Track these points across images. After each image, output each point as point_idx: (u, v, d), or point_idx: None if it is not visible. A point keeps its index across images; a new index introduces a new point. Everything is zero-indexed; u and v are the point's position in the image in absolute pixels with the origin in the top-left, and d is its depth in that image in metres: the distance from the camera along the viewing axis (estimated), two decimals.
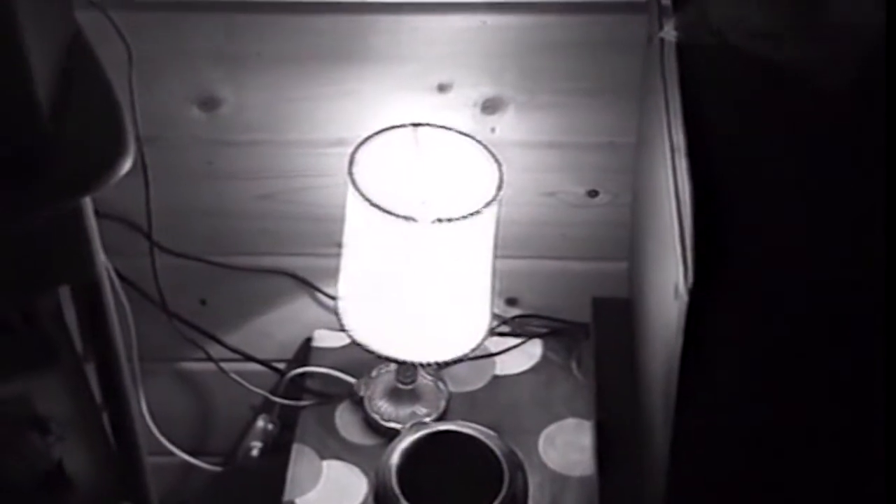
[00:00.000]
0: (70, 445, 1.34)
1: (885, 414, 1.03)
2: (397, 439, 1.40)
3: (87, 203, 1.11)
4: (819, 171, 1.06)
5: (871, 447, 1.05)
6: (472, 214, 1.31)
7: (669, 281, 1.05)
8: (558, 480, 1.46)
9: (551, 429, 1.51)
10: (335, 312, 1.47)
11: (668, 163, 1.08)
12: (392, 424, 1.50)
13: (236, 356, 1.63)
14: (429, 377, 1.55)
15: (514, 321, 1.61)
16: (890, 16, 1.09)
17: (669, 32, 1.14)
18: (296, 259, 1.57)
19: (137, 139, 1.13)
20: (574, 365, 1.58)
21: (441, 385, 1.55)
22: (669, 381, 1.06)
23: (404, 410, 1.52)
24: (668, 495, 1.13)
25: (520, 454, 1.39)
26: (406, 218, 1.29)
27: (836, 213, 1.03)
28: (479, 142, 1.37)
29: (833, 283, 1.00)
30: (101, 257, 1.16)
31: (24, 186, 1.06)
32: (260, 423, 1.65)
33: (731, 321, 1.01)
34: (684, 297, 0.98)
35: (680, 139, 1.06)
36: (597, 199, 1.50)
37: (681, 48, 1.13)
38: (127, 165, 1.09)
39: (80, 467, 1.33)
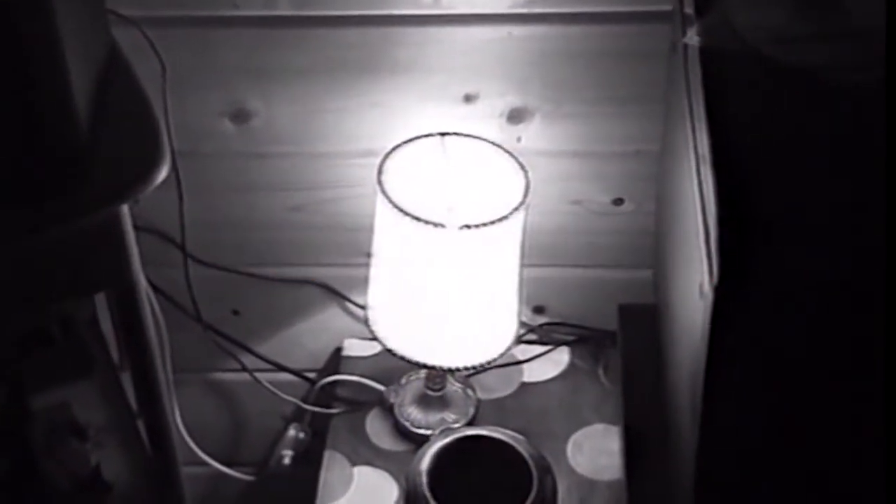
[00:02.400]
0: (107, 451, 1.37)
1: None
2: (427, 444, 1.41)
3: (125, 211, 1.13)
4: (845, 174, 1.07)
5: None
6: (499, 220, 1.33)
7: (694, 284, 1.06)
8: (586, 485, 1.47)
9: (579, 434, 1.53)
10: (365, 321, 1.49)
11: (693, 170, 1.09)
12: (422, 431, 1.52)
13: (268, 366, 1.65)
14: (457, 384, 1.56)
15: (542, 329, 1.63)
16: None
17: (693, 38, 1.15)
18: (326, 269, 1.59)
19: (171, 152, 1.15)
20: (601, 371, 1.60)
21: (470, 392, 1.56)
22: (695, 383, 1.07)
23: (434, 417, 1.54)
24: (696, 499, 1.14)
25: (548, 459, 1.40)
26: (434, 224, 1.31)
27: (863, 215, 1.04)
28: (505, 150, 1.39)
29: (861, 282, 1.01)
30: (138, 265, 1.18)
31: (62, 196, 1.08)
32: (291, 431, 1.67)
33: (756, 322, 1.02)
34: (709, 295, 0.99)
35: (705, 146, 1.07)
36: (622, 208, 1.52)
37: (704, 54, 1.14)
38: (163, 174, 1.11)
39: (117, 473, 1.36)
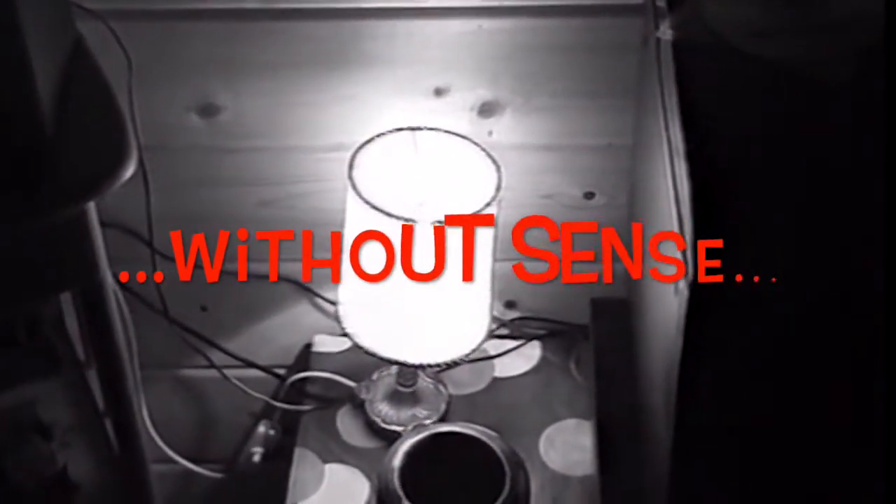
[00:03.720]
0: (74, 451, 1.35)
1: (887, 408, 1.04)
2: (399, 441, 1.40)
3: (92, 209, 1.12)
4: (819, 168, 1.07)
5: (874, 443, 1.06)
6: (471, 216, 1.32)
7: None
8: (559, 480, 1.47)
9: (551, 429, 1.52)
10: (335, 317, 1.48)
11: (667, 163, 1.09)
12: (393, 427, 1.51)
13: (237, 362, 1.64)
14: (429, 380, 1.56)
15: (513, 323, 1.62)
16: (890, 10, 1.10)
17: (666, 32, 1.15)
18: (295, 265, 1.57)
19: (138, 147, 1.13)
20: (573, 366, 1.59)
21: (441, 388, 1.56)
22: (670, 378, 1.07)
23: (405, 413, 1.53)
24: (671, 494, 1.13)
25: (521, 455, 1.40)
26: (406, 220, 1.30)
27: (837, 209, 1.04)
28: (477, 144, 1.38)
29: (835, 279, 1.01)
30: (105, 262, 1.16)
31: (26, 193, 1.06)
32: (261, 428, 1.65)
33: (731, 317, 1.01)
34: (685, 292, 0.99)
35: (678, 139, 1.07)
36: (593, 201, 1.51)
37: (677, 48, 1.14)
38: (130, 170, 1.10)
39: (84, 473, 1.34)
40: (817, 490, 1.11)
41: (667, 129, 1.11)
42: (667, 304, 1.07)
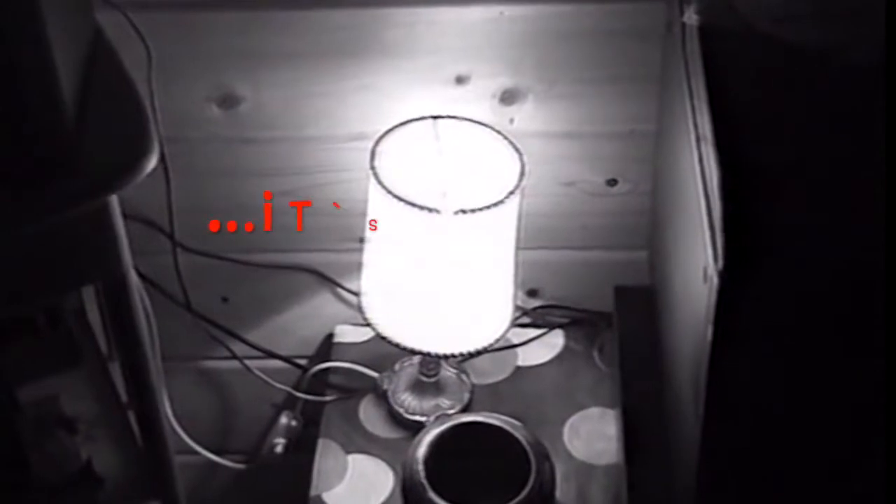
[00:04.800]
0: (98, 445, 1.35)
1: None
2: (423, 431, 1.40)
3: (114, 201, 1.11)
4: (847, 152, 1.06)
5: None
6: (494, 205, 1.31)
7: (697, 267, 1.05)
8: (584, 470, 1.46)
9: (575, 418, 1.51)
10: (357, 307, 1.47)
11: (694, 150, 1.08)
12: (416, 417, 1.50)
13: (259, 353, 1.63)
14: (452, 370, 1.55)
15: (536, 312, 1.61)
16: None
17: (691, 17, 1.14)
18: (317, 255, 1.57)
19: (159, 139, 1.12)
20: (596, 354, 1.58)
21: (464, 377, 1.55)
22: (699, 368, 1.06)
23: (428, 403, 1.52)
24: (700, 484, 1.13)
25: (545, 444, 1.39)
26: (429, 209, 1.29)
27: (865, 194, 1.03)
28: (499, 132, 1.37)
29: (865, 265, 1.00)
30: (128, 255, 1.16)
31: (49, 187, 1.06)
32: (283, 419, 1.65)
33: (761, 305, 1.00)
34: (714, 279, 0.98)
35: (706, 125, 1.06)
36: (616, 188, 1.50)
37: (703, 32, 1.13)
38: (152, 163, 1.09)
39: (108, 466, 1.34)
40: (850, 478, 1.10)
41: (693, 115, 1.10)
42: (694, 292, 1.07)
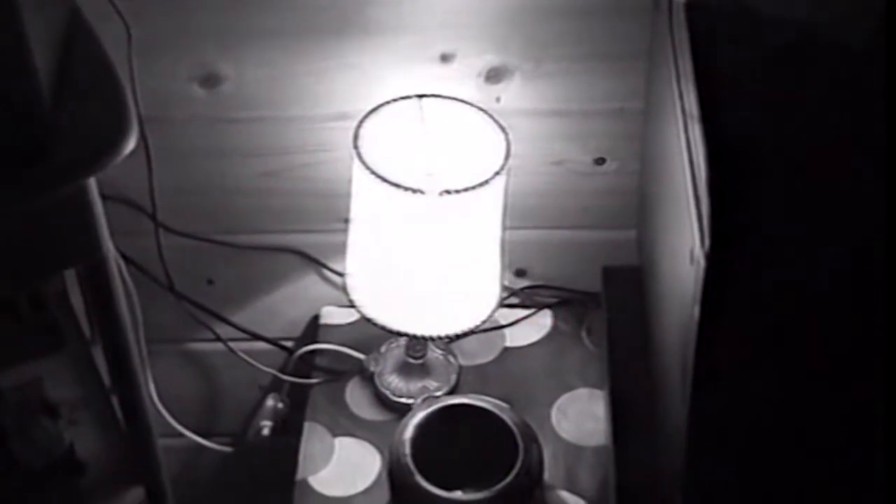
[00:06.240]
0: (81, 429, 1.34)
1: None
2: (410, 414, 1.39)
3: (93, 184, 1.09)
4: (837, 130, 1.05)
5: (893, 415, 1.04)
6: (479, 185, 1.29)
7: (684, 247, 1.03)
8: (573, 451, 1.45)
9: (563, 399, 1.50)
10: (343, 288, 1.46)
11: (681, 127, 1.06)
12: (403, 399, 1.49)
13: (244, 335, 1.62)
14: (439, 351, 1.54)
15: (524, 292, 1.60)
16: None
17: None
18: (301, 236, 1.55)
19: (139, 119, 1.11)
20: (584, 334, 1.57)
21: (451, 359, 1.54)
22: (686, 348, 1.05)
23: (415, 385, 1.51)
24: (688, 464, 1.12)
25: (533, 426, 1.38)
26: (414, 190, 1.28)
27: (856, 172, 1.02)
28: (485, 111, 1.36)
29: (854, 244, 0.99)
30: (108, 239, 1.14)
31: (27, 169, 1.04)
32: (269, 402, 1.64)
33: (748, 285, 0.99)
34: (701, 261, 0.96)
35: (692, 103, 1.04)
36: (604, 167, 1.49)
37: (690, 9, 1.12)
38: (131, 145, 1.08)
39: (92, 451, 1.33)
40: (837, 462, 1.10)
41: (680, 92, 1.08)
42: (682, 272, 1.05)
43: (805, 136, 1.05)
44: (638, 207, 1.45)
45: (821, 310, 1.00)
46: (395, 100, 1.37)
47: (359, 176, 1.34)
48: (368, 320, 1.42)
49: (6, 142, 1.03)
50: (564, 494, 1.41)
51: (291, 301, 1.61)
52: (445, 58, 1.40)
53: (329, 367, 1.55)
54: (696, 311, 0.99)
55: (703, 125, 1.02)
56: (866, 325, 1.01)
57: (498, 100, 1.42)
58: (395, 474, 1.35)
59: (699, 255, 0.97)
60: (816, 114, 1.06)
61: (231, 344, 1.60)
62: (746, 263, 0.98)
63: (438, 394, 1.49)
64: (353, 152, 1.32)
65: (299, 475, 1.44)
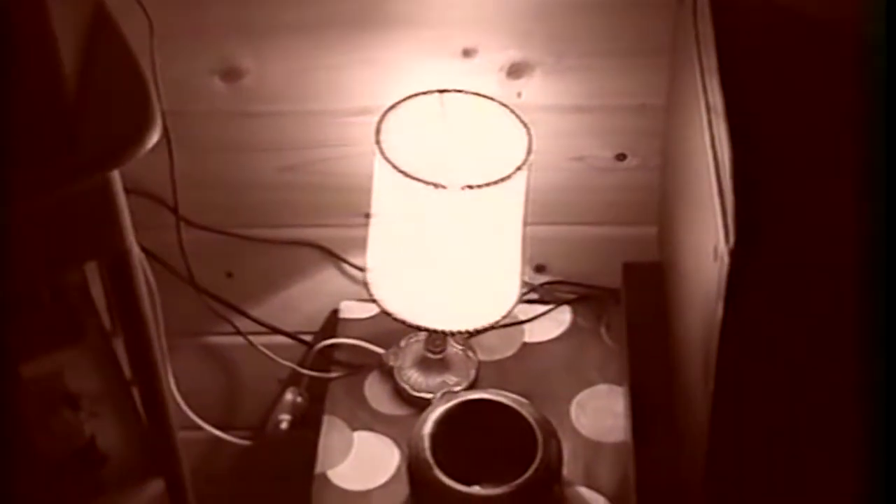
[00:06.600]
0: (102, 421, 1.34)
1: None
2: (429, 409, 1.39)
3: (116, 177, 1.10)
4: (860, 127, 1.04)
5: None
6: (501, 180, 1.29)
7: (708, 243, 1.03)
8: (592, 447, 1.45)
9: (583, 395, 1.50)
10: (363, 283, 1.46)
11: (705, 124, 1.06)
12: (422, 394, 1.49)
13: (263, 329, 1.62)
14: (458, 346, 1.54)
15: (543, 288, 1.60)
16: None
17: None
18: (321, 230, 1.56)
19: (161, 113, 1.11)
20: (604, 330, 1.57)
21: (470, 354, 1.54)
22: (709, 344, 1.05)
23: (434, 380, 1.51)
24: (709, 462, 1.12)
25: (552, 421, 1.38)
26: (435, 185, 1.28)
27: (879, 168, 1.01)
28: (506, 106, 1.36)
29: (879, 241, 0.98)
30: (131, 230, 1.14)
31: (51, 161, 1.04)
32: (288, 395, 1.64)
33: (772, 282, 0.99)
34: (725, 257, 0.96)
35: (717, 99, 1.04)
36: (625, 163, 1.48)
37: (714, 5, 1.11)
38: (154, 138, 1.08)
39: (112, 443, 1.33)
40: (859, 462, 1.09)
41: (704, 88, 1.08)
42: (705, 270, 1.05)
43: (830, 132, 1.05)
44: (659, 204, 1.45)
45: (845, 306, 1.00)
46: (416, 94, 1.36)
47: (380, 171, 1.34)
48: (388, 314, 1.42)
49: (32, 134, 1.03)
50: (583, 490, 1.41)
51: (311, 295, 1.61)
52: (467, 53, 1.40)
53: (348, 362, 1.55)
54: (720, 307, 0.99)
55: (727, 121, 1.02)
56: (891, 321, 1.01)
57: (519, 95, 1.42)
58: (413, 469, 1.35)
59: (723, 251, 0.96)
60: (841, 109, 1.06)
61: (251, 337, 1.61)
62: (770, 260, 0.97)
63: (457, 389, 1.49)
64: (375, 147, 1.32)
65: (318, 469, 1.44)
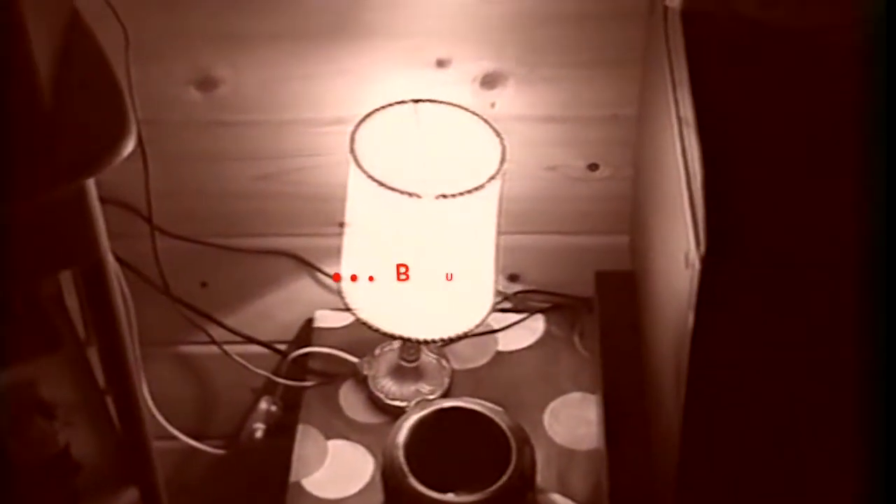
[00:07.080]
0: (76, 430, 1.34)
1: None
2: (403, 417, 1.39)
3: (91, 185, 1.10)
4: (831, 136, 1.05)
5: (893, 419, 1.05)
6: (475, 190, 1.30)
7: (679, 251, 1.04)
8: (565, 454, 1.46)
9: (556, 403, 1.51)
10: (337, 292, 1.46)
11: (676, 134, 1.07)
12: (396, 403, 1.50)
13: (238, 338, 1.62)
14: (432, 355, 1.54)
15: (517, 297, 1.61)
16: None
17: (674, 0, 1.13)
18: (296, 239, 1.56)
19: (136, 121, 1.11)
20: (577, 339, 1.58)
21: (444, 362, 1.54)
22: (680, 351, 1.06)
23: (408, 388, 1.51)
24: (681, 469, 1.12)
25: (526, 429, 1.39)
26: (409, 194, 1.29)
27: (849, 177, 1.03)
28: (480, 116, 1.36)
29: (849, 250, 0.99)
30: (105, 240, 1.15)
31: (26, 170, 1.05)
32: (263, 404, 1.64)
33: (742, 290, 1.00)
34: (696, 265, 0.97)
35: (688, 109, 1.05)
36: (598, 173, 1.50)
37: (685, 15, 1.12)
38: (129, 147, 1.08)
39: (86, 452, 1.33)
40: (830, 465, 1.10)
41: (675, 98, 1.09)
42: (676, 278, 1.06)
43: (800, 141, 1.06)
44: (631, 213, 1.46)
45: (817, 314, 1.01)
46: (390, 104, 1.37)
47: (354, 180, 1.34)
48: (363, 323, 1.42)
49: (7, 142, 1.03)
50: (557, 497, 1.42)
51: (285, 304, 1.61)
52: (441, 63, 1.41)
53: (323, 371, 1.56)
54: (691, 315, 1.00)
55: (698, 131, 1.03)
56: (864, 327, 1.02)
57: (493, 105, 1.43)
58: (388, 477, 1.35)
59: (694, 259, 0.97)
60: (811, 119, 1.07)
61: (225, 346, 1.61)
62: (741, 267, 0.98)
63: (432, 397, 1.50)
64: (349, 156, 1.33)
65: (293, 477, 1.45)
